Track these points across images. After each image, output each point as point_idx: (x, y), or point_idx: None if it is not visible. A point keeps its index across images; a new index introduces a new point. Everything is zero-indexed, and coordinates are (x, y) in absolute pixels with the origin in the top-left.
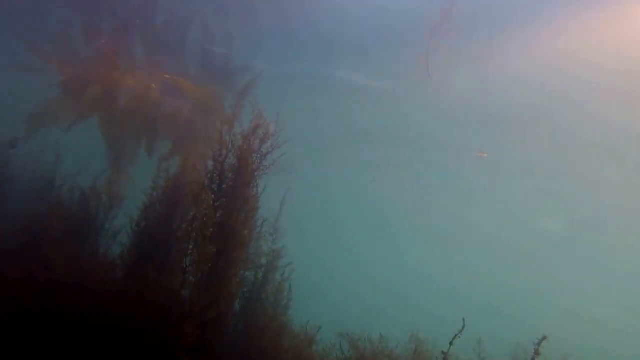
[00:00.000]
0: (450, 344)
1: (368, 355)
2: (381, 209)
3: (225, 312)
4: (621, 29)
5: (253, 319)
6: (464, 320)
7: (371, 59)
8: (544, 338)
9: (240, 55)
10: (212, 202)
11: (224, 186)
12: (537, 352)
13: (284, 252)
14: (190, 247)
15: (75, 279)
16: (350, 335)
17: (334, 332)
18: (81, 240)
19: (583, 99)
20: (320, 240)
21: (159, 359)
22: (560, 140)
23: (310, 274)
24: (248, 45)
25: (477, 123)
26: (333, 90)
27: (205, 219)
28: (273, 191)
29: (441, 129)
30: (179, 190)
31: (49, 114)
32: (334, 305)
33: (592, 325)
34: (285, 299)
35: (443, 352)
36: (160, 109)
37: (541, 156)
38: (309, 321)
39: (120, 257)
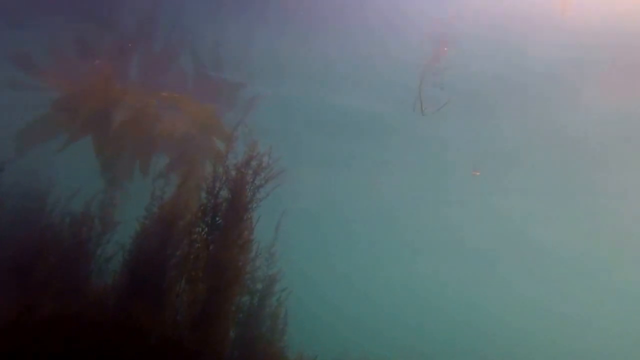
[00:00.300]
0: None
1: None
2: (371, 219)
3: (220, 347)
4: None
5: (249, 345)
6: None
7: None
8: None
9: (236, 74)
10: (205, 235)
11: (218, 219)
12: None
13: (279, 276)
14: (183, 285)
15: (63, 316)
16: None
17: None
18: (71, 270)
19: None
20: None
21: None
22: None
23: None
24: (244, 66)
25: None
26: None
27: (198, 255)
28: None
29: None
30: (173, 217)
31: (41, 132)
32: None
33: (589, 334)
34: (282, 324)
35: None
36: (157, 127)
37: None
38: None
39: (112, 288)
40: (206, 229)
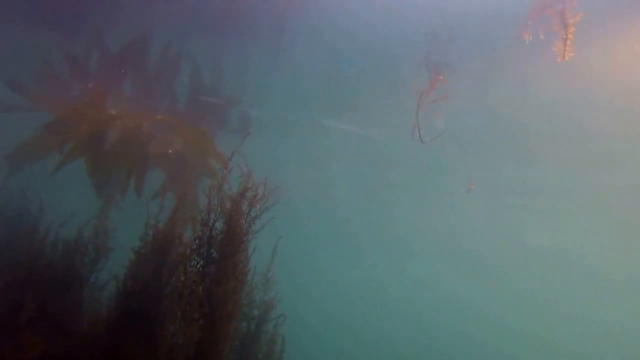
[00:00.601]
0: None
1: None
2: (368, 228)
3: None
4: None
5: None
6: None
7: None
8: None
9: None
10: (200, 268)
11: (213, 251)
12: None
13: (276, 301)
14: (178, 321)
15: (52, 356)
16: None
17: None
18: (61, 300)
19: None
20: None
21: None
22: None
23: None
24: (239, 88)
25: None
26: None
27: (193, 289)
28: None
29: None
30: (168, 247)
31: (32, 153)
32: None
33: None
34: (278, 351)
35: None
36: (151, 147)
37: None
38: None
39: (105, 320)
40: (201, 262)
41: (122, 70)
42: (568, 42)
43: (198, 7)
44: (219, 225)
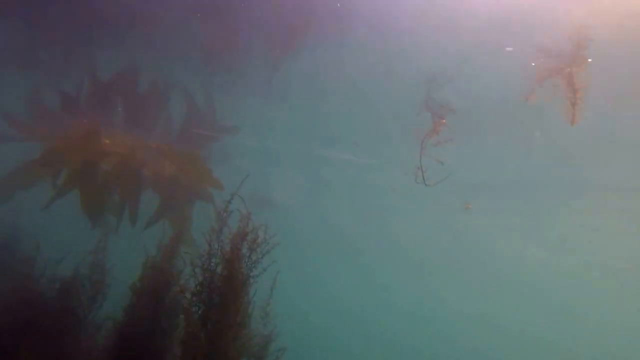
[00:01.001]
0: None
1: None
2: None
3: None
4: None
5: None
6: None
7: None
8: None
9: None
10: (202, 312)
11: (214, 296)
12: None
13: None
14: None
15: None
16: None
17: None
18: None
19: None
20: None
21: None
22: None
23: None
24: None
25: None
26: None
27: (195, 333)
28: None
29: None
30: (165, 285)
31: (22, 181)
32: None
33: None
34: None
35: None
36: (144, 172)
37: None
38: None
39: None
40: (203, 307)
41: (113, 101)
42: (577, 106)
43: (192, 42)
44: (219, 269)
